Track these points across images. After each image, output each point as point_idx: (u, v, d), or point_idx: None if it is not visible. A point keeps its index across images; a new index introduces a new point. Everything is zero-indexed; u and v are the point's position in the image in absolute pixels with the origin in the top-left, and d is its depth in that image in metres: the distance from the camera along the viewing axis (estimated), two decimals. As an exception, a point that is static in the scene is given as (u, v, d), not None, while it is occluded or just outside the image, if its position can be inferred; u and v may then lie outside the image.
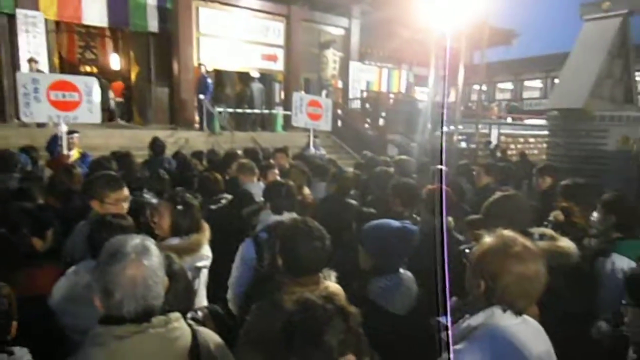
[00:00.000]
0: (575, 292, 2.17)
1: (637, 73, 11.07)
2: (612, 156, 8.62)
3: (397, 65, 18.51)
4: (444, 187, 3.24)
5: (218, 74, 15.30)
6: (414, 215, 3.39)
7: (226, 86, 15.26)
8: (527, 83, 30.84)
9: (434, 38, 10.53)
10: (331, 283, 1.94)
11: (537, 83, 29.78)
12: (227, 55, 13.77)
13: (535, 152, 14.63)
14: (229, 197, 3.86)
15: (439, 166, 4.28)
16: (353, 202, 4.02)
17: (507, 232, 1.50)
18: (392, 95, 17.21)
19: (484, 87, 30.32)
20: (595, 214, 2.95)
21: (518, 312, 1.40)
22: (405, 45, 16.41)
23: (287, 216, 2.75)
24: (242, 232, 3.01)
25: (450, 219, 2.98)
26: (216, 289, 2.78)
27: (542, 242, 2.19)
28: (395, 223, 2.14)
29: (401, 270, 2.07)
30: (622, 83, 9.49)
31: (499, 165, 6.33)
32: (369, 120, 14.75)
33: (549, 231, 2.33)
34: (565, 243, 2.17)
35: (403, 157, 6.62)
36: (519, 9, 25.05)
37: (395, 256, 2.04)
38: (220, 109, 12.37)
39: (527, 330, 1.42)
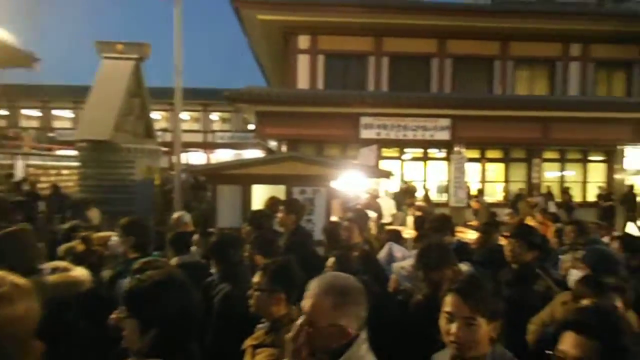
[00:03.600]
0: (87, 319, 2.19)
1: (153, 111, 12.73)
2: (139, 184, 9.56)
3: None
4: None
5: None
6: None
7: None
8: (57, 112, 29.70)
9: None
10: None
11: (69, 113, 29.22)
12: None
13: (70, 184, 14.20)
14: None
15: None
16: None
17: (-7, 274, 1.30)
18: None
19: (4, 112, 26.70)
20: (114, 238, 3.12)
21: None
22: None
23: None
24: None
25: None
26: None
27: (54, 275, 2.08)
28: None
29: None
30: (142, 119, 10.73)
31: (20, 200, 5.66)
32: None
33: (62, 263, 2.24)
34: (79, 272, 2.15)
35: None
36: (39, 33, 23.79)
37: None
38: None
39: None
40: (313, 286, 1.47)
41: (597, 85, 15.59)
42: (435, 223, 4.30)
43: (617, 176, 14.14)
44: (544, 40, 14.93)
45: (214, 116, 30.63)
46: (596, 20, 14.54)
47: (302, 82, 14.41)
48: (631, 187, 13.39)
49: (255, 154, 23.86)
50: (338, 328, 1.42)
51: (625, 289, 2.19)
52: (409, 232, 6.42)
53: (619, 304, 2.07)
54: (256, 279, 2.06)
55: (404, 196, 11.20)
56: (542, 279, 3.05)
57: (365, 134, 12.78)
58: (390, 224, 8.73)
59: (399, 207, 10.04)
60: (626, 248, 3.66)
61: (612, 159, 14.24)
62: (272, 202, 4.68)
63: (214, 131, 30.35)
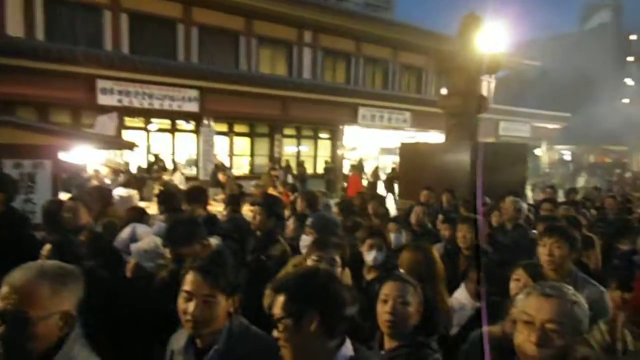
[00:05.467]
0: None
1: None
2: None
3: None
4: None
5: None
6: None
7: None
8: None
9: None
10: None
11: None
12: None
13: None
14: None
15: None
16: None
17: None
18: None
19: None
20: None
21: None
22: None
23: None
24: None
25: None
26: None
27: None
28: None
29: None
30: None
31: None
32: None
33: None
34: None
35: None
36: None
37: None
38: None
39: None
40: (19, 276, 1.28)
41: (325, 72, 18.04)
42: (190, 194, 4.18)
43: (338, 151, 16.88)
44: (283, 24, 16.19)
45: None
46: (322, 12, 16.56)
47: (14, 27, 11.54)
48: (360, 159, 16.40)
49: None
50: (62, 315, 1.29)
51: (344, 247, 2.56)
52: (154, 209, 6.05)
53: (337, 259, 2.40)
54: None
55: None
56: (279, 244, 3.30)
57: (104, 99, 11.36)
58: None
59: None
60: (343, 212, 4.34)
61: (335, 137, 16.89)
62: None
63: None
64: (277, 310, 1.33)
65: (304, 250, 2.86)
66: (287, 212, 5.09)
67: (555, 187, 8.57)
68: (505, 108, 20.55)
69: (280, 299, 1.33)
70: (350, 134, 17.04)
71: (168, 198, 4.53)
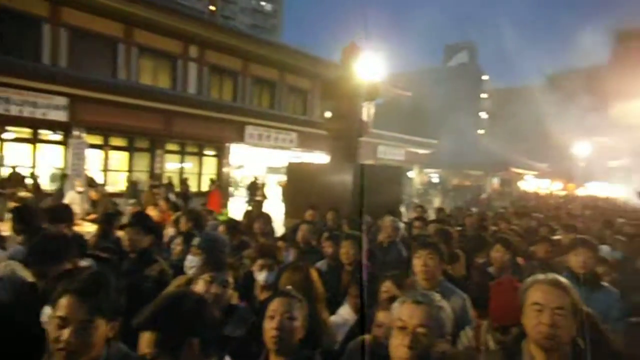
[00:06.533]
0: None
1: None
2: None
3: None
4: None
5: None
6: None
7: None
8: None
9: None
10: None
11: None
12: None
13: None
14: None
15: None
16: None
17: None
18: None
19: None
20: None
21: None
22: None
23: None
24: None
25: None
26: None
27: None
28: None
29: None
30: None
31: None
32: None
33: None
34: None
35: None
36: None
37: None
38: None
39: None
40: None
41: (211, 88, 17.68)
42: (53, 213, 3.75)
43: (224, 169, 16.55)
44: (167, 35, 15.57)
45: None
46: (207, 28, 16.31)
47: None
48: (255, 177, 16.25)
49: None
50: None
51: (237, 267, 2.51)
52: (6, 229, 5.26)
53: (230, 280, 2.35)
54: None
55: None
56: (157, 264, 3.12)
57: (-56, 101, 9.69)
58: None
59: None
60: (229, 231, 4.26)
61: (222, 154, 16.55)
62: None
63: None
64: (150, 349, 1.26)
65: (189, 271, 2.73)
66: (171, 231, 4.84)
67: (425, 207, 9.43)
68: (383, 133, 22.17)
69: (150, 337, 1.27)
70: (237, 152, 16.86)
71: (26, 215, 3.99)
